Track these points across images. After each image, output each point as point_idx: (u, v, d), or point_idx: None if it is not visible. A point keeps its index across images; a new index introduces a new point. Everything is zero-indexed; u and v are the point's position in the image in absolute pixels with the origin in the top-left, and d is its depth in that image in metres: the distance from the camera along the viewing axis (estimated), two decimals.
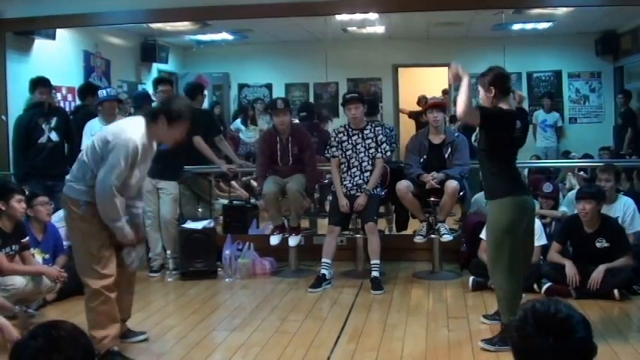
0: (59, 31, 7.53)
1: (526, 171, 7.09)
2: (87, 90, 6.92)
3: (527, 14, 8.43)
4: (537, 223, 4.87)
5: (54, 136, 6.10)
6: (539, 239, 5.12)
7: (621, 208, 5.39)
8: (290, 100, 7.57)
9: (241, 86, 11.21)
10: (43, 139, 6.06)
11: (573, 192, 5.57)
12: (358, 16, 8.21)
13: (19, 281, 4.42)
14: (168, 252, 6.01)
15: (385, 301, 5.09)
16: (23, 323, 4.10)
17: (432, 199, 5.73)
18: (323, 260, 5.55)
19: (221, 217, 7.13)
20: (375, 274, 5.44)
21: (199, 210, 6.74)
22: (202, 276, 5.81)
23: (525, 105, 9.07)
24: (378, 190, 5.76)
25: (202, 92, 6.94)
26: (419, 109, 9.72)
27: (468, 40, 10.26)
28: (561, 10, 8.29)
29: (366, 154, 5.72)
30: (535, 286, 5.02)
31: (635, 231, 5.32)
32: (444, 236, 5.68)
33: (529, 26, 9.44)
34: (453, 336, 4.22)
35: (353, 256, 6.03)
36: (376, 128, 5.87)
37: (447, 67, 10.43)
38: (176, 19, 7.82)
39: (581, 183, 6.84)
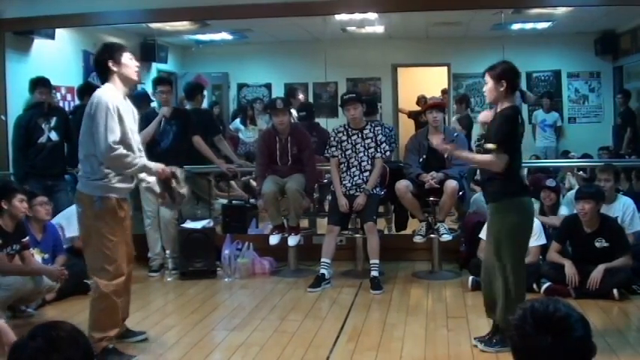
0: (58, 31, 7.52)
1: (526, 171, 7.08)
2: (86, 90, 6.87)
3: (527, 14, 8.42)
4: (536, 222, 4.85)
5: (53, 135, 6.09)
6: (539, 239, 5.13)
7: (620, 208, 5.39)
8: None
9: (240, 86, 11.20)
10: (42, 139, 6.05)
11: (573, 192, 5.56)
12: (357, 16, 8.19)
13: (19, 281, 4.42)
14: (168, 252, 6.01)
15: (384, 300, 5.10)
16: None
17: (432, 198, 5.74)
18: (322, 260, 5.55)
19: (220, 217, 7.13)
20: (374, 273, 5.44)
21: (199, 210, 6.74)
22: (202, 276, 5.82)
23: (524, 105, 9.12)
24: (378, 189, 5.76)
25: (202, 92, 6.97)
26: (418, 108, 9.72)
27: (467, 40, 10.26)
28: (560, 10, 8.28)
29: (366, 153, 5.72)
30: (534, 285, 5.02)
31: (635, 231, 5.32)
32: (444, 236, 5.68)
33: (528, 26, 9.43)
34: (452, 336, 4.22)
35: (352, 255, 6.03)
36: (375, 128, 5.87)
37: (446, 67, 10.66)
38: (175, 19, 7.81)
39: (581, 183, 6.85)
